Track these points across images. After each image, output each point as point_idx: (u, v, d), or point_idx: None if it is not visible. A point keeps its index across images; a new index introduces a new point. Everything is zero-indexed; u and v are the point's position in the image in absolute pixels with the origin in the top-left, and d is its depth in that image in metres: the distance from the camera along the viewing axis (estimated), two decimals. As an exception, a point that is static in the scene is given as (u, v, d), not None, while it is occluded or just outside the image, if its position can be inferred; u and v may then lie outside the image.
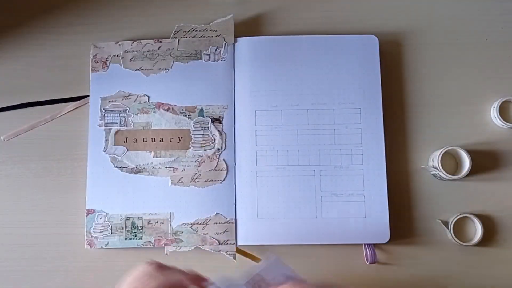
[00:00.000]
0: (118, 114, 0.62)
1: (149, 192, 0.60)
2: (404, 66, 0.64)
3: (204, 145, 0.61)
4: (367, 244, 0.58)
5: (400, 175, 0.61)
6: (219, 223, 0.59)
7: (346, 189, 0.59)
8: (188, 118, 0.62)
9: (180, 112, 0.62)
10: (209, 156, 0.61)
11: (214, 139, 0.61)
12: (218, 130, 0.61)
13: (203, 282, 0.40)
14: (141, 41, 0.64)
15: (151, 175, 0.61)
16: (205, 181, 0.60)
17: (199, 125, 0.62)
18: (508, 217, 0.60)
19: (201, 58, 0.63)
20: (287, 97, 0.62)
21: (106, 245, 0.59)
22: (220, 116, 0.62)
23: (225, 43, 0.63)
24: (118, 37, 0.65)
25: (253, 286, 0.40)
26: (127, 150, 0.61)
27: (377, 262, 0.59)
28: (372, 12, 0.66)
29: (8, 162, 0.63)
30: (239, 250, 0.59)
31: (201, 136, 0.61)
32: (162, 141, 0.61)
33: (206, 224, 0.59)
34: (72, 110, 0.64)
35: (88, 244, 0.59)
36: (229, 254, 0.58)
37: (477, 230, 0.58)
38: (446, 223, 0.59)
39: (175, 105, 0.62)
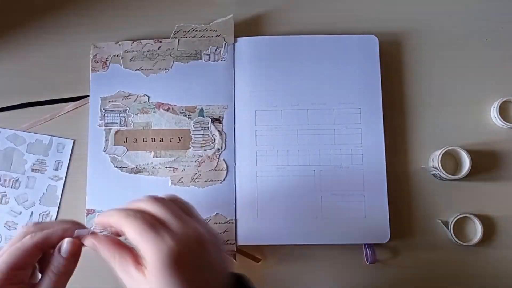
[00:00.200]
0: (118, 114, 0.62)
1: (149, 192, 0.60)
2: (404, 66, 0.64)
3: (204, 145, 0.61)
4: (367, 244, 0.58)
5: (400, 175, 0.61)
6: (219, 223, 0.59)
7: (346, 189, 0.59)
8: (188, 118, 0.62)
9: (180, 112, 0.62)
10: (209, 156, 0.61)
11: (214, 139, 0.61)
12: (218, 130, 0.61)
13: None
14: (141, 41, 0.64)
15: (151, 175, 0.61)
16: (205, 181, 0.60)
17: (199, 125, 0.62)
18: (508, 217, 0.60)
19: (201, 58, 0.63)
20: (287, 97, 0.62)
21: (106, 245, 0.59)
22: (220, 116, 0.62)
23: (225, 43, 0.63)
24: (118, 37, 0.65)
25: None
26: (127, 150, 0.61)
27: (377, 262, 0.59)
28: (372, 12, 0.66)
29: (8, 162, 0.63)
30: (239, 250, 0.59)
31: (201, 136, 0.61)
32: (162, 141, 0.61)
33: (206, 224, 0.59)
34: (72, 110, 0.64)
35: (88, 244, 0.59)
36: (229, 254, 0.58)
37: (477, 230, 0.58)
38: (446, 223, 0.59)
39: (175, 105, 0.62)
